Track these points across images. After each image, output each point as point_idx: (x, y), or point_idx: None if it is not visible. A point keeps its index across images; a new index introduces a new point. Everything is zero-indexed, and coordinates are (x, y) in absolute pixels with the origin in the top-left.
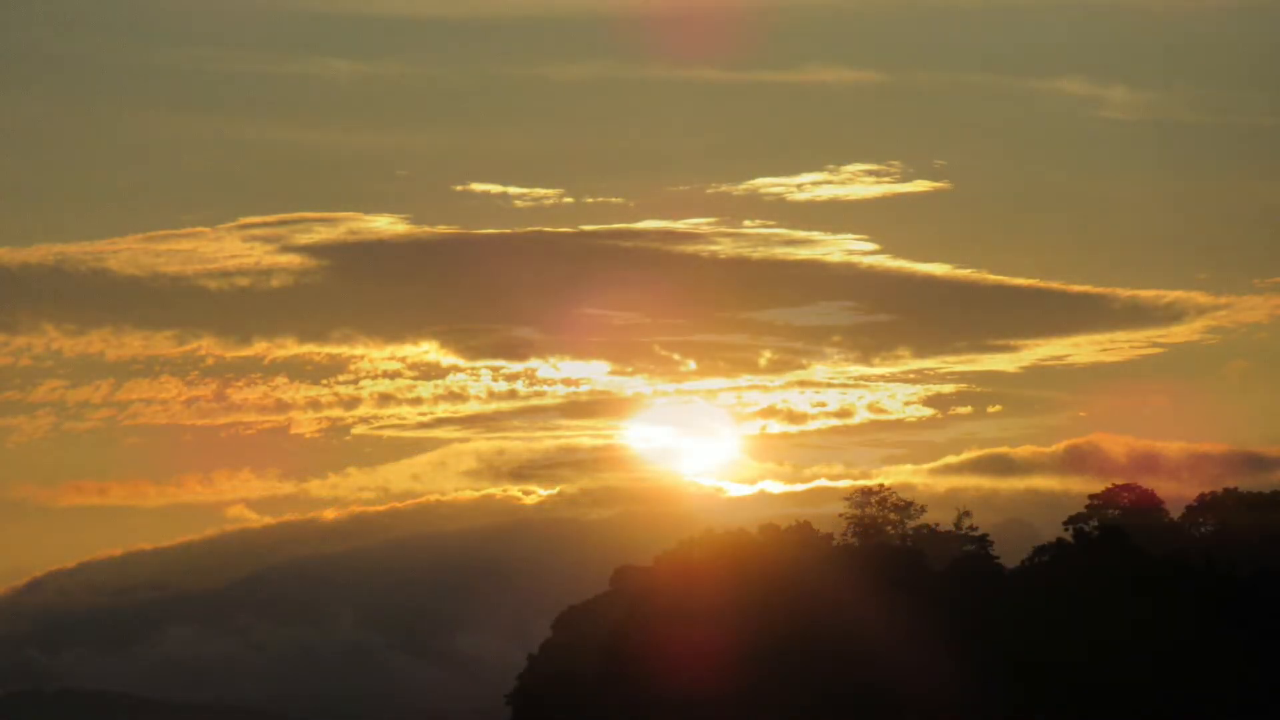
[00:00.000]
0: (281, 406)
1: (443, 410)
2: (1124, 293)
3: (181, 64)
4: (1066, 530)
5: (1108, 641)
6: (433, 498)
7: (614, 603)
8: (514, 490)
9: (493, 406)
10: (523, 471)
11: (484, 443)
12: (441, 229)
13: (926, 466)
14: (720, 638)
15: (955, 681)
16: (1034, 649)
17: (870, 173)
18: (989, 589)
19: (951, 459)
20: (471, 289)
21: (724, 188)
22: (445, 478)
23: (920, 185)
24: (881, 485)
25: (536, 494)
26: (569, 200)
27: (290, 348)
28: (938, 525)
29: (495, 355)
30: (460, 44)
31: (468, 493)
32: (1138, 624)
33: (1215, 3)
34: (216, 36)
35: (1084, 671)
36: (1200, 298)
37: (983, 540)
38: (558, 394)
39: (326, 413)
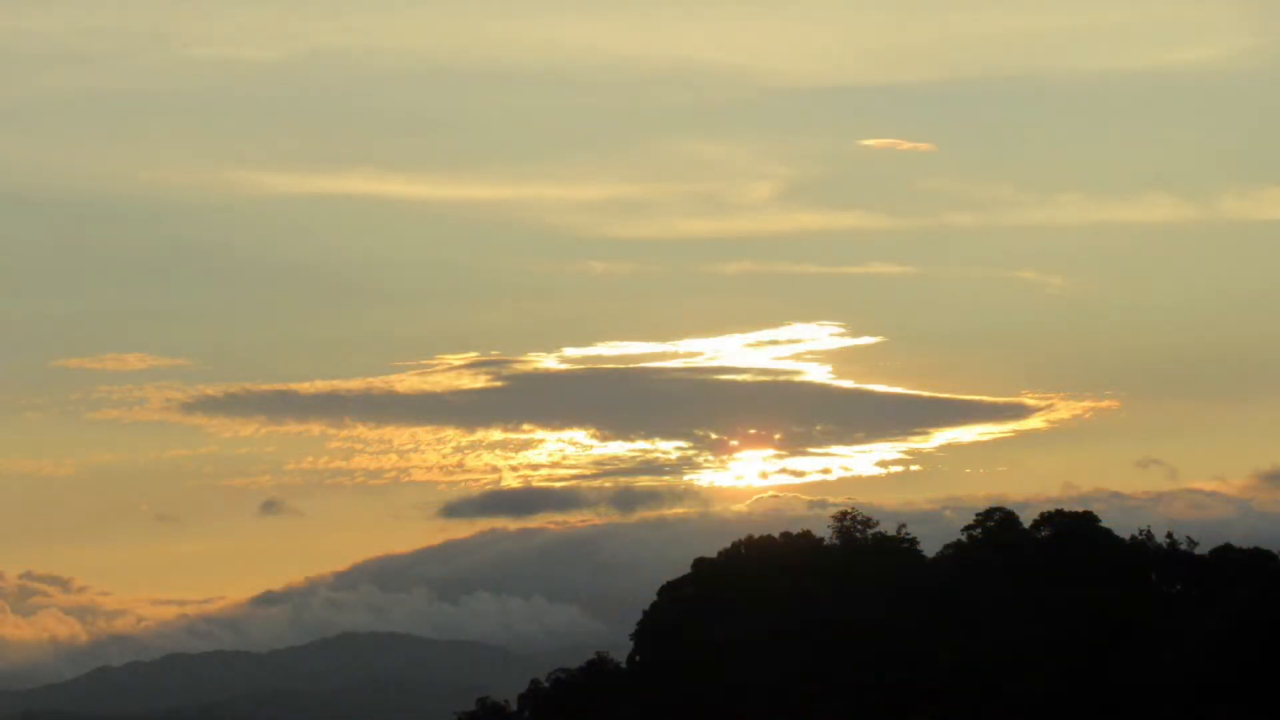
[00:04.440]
0: (495, 470)
1: (588, 469)
2: (989, 399)
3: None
4: (963, 534)
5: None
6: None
7: (695, 582)
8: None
9: (610, 465)
10: (620, 500)
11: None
12: (583, 366)
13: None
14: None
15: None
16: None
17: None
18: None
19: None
20: (609, 400)
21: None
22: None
23: (868, 339)
24: (853, 508)
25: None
26: (661, 349)
27: (498, 434)
28: (886, 532)
29: (617, 438)
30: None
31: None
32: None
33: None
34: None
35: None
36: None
37: (914, 541)
38: (658, 459)
39: (522, 473)
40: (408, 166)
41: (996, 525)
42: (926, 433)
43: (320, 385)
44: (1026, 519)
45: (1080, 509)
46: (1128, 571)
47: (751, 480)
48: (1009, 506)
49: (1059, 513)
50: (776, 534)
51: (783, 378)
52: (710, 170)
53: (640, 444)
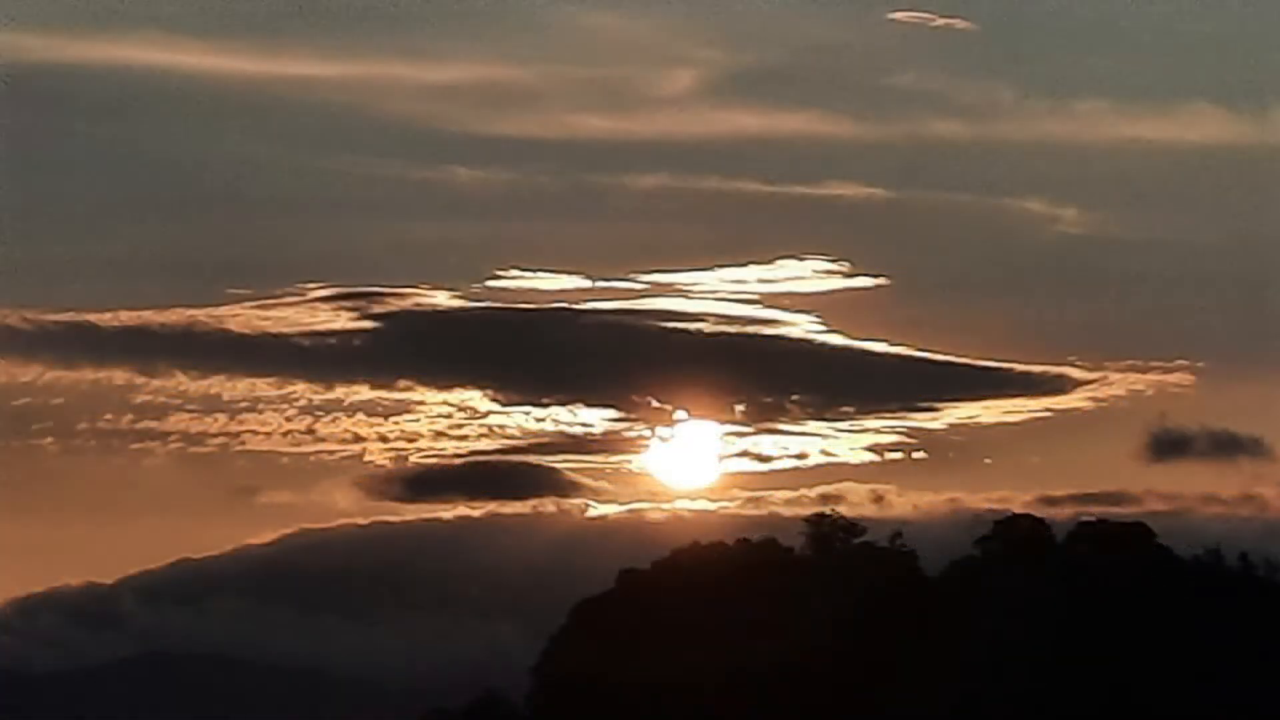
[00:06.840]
0: (358, 440)
1: (483, 442)
2: (1019, 367)
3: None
4: (976, 548)
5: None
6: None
7: (620, 601)
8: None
9: (512, 438)
10: (522, 486)
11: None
12: (480, 304)
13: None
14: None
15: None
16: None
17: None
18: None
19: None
20: (512, 351)
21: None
22: None
23: (865, 280)
24: (834, 510)
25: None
26: (584, 285)
27: (364, 392)
28: (876, 541)
29: (523, 403)
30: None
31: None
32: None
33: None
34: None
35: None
36: (1075, 373)
37: (912, 554)
38: (577, 433)
39: (395, 444)
40: (208, 31)
41: (1022, 537)
42: (935, 408)
43: (125, 317)
44: (1061, 530)
45: (1132, 518)
46: (1189, 600)
47: (701, 466)
48: (1039, 513)
49: (1103, 523)
50: (730, 540)
51: (750, 328)
52: (613, 51)
53: (554, 410)
